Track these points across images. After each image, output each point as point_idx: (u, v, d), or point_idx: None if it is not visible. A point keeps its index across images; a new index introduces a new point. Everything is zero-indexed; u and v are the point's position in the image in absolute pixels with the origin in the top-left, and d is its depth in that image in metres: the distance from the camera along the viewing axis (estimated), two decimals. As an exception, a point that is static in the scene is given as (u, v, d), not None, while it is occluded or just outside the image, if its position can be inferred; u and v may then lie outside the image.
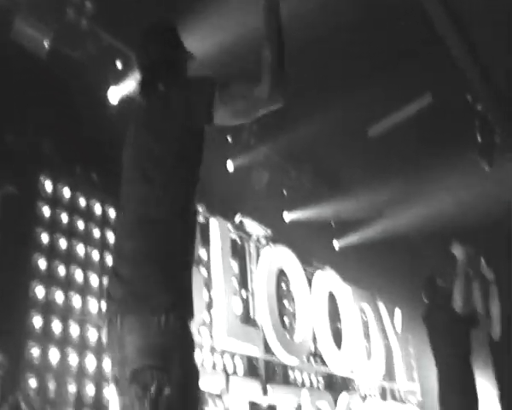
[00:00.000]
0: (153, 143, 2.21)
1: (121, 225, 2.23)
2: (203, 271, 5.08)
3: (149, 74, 2.45)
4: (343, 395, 6.07)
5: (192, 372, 1.95)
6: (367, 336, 7.06)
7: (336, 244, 7.36)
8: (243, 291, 5.53)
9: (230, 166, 5.80)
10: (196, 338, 4.74)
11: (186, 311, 2.03)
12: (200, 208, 5.18)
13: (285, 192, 6.53)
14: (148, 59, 2.49)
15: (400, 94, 6.58)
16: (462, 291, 4.86)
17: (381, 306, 7.52)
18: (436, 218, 7.64)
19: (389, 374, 7.26)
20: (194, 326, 4.72)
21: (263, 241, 5.96)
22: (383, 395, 6.95)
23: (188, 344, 1.99)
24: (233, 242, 5.58)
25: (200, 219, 5.18)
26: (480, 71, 6.46)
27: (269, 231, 6.05)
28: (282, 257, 5.99)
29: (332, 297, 6.57)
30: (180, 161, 2.18)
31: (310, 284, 6.22)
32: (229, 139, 5.82)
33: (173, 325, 1.92)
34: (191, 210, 2.20)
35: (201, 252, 5.13)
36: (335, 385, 6.17)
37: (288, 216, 6.59)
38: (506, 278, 7.56)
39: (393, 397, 7.20)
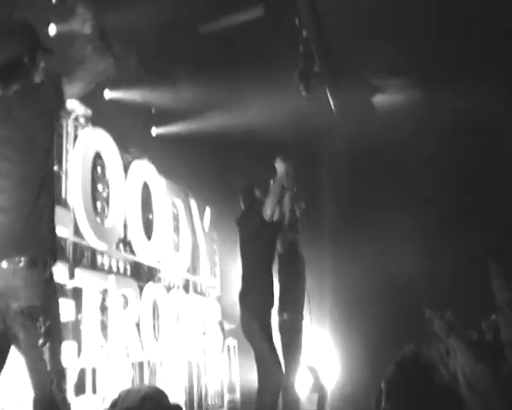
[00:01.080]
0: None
1: None
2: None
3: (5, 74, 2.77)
4: (149, 285, 6.10)
5: (58, 307, 2.73)
6: (176, 229, 7.12)
7: (155, 133, 7.18)
8: (57, 170, 5.21)
9: (53, 29, 5.22)
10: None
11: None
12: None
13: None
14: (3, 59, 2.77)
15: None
16: (272, 202, 5.10)
17: (193, 203, 7.59)
18: (255, 128, 7.79)
19: (194, 268, 7.44)
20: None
21: (82, 121, 5.62)
22: (186, 288, 7.11)
23: (55, 286, 2.74)
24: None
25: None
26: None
27: (89, 111, 5.70)
28: (100, 140, 5.70)
29: (146, 187, 6.47)
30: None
31: (126, 172, 6.05)
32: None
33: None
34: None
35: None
36: (142, 274, 6.17)
37: (109, 94, 6.24)
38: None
39: (195, 290, 7.41)
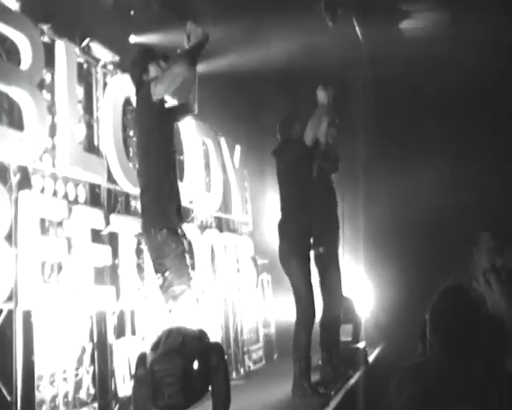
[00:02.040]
0: None
1: None
2: (46, 95, 4.72)
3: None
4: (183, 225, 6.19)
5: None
6: (207, 168, 7.16)
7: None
8: (88, 118, 5.27)
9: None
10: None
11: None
12: (45, 28, 4.71)
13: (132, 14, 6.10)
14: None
15: None
16: (313, 128, 5.10)
17: (223, 141, 7.59)
18: (282, 64, 7.66)
19: (225, 206, 7.52)
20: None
21: (110, 67, 5.62)
22: (219, 226, 7.21)
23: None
24: (79, 66, 5.18)
25: (46, 39, 4.72)
26: None
27: (117, 58, 5.69)
28: (129, 86, 5.69)
29: (176, 129, 6.47)
30: None
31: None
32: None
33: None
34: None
35: (46, 75, 4.73)
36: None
37: (135, 39, 6.18)
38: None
39: (228, 228, 7.51)
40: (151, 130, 4.03)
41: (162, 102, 4.08)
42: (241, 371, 7.19)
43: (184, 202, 6.36)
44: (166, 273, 3.80)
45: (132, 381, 3.31)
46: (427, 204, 7.73)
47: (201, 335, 3.40)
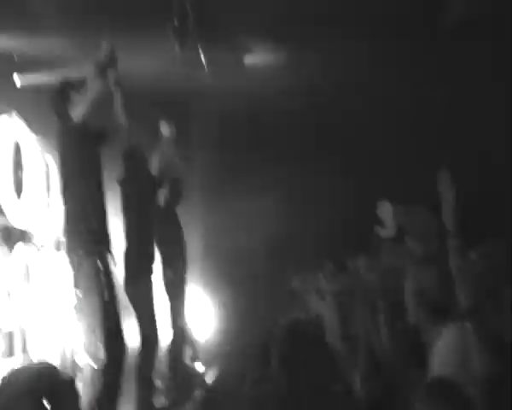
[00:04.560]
0: None
1: None
2: None
3: None
4: (19, 245, 5.72)
5: None
6: (48, 188, 6.68)
7: (18, 81, 6.55)
8: None
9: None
10: None
11: None
12: None
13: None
14: None
15: None
16: (159, 160, 5.08)
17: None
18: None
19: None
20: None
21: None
22: (58, 247, 6.74)
23: None
24: None
25: None
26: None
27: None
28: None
29: (16, 145, 5.97)
30: None
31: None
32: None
33: None
34: None
35: None
36: (13, 236, 5.74)
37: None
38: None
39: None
40: (73, 154, 4.04)
41: (84, 125, 3.97)
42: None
43: (23, 224, 5.92)
44: (79, 294, 3.93)
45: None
46: (267, 230, 7.92)
47: (56, 371, 3.11)
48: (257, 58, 8.77)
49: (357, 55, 7.59)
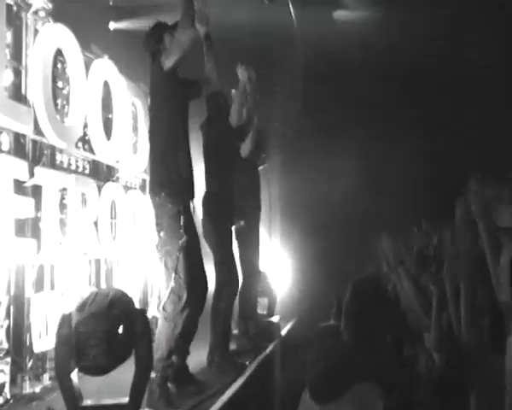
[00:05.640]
0: None
1: None
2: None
3: None
4: (107, 185, 5.93)
5: None
6: (135, 129, 6.86)
7: (112, 28, 6.74)
8: (16, 65, 4.84)
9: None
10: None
11: None
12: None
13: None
14: None
15: None
16: (237, 108, 5.06)
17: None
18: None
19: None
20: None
21: (42, 14, 5.19)
22: (143, 188, 6.95)
23: None
24: (8, 8, 4.72)
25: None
26: None
27: (50, 6, 5.27)
28: (61, 36, 5.31)
29: (106, 86, 6.14)
30: None
31: (87, 70, 5.69)
32: None
33: None
34: None
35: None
36: (100, 174, 5.96)
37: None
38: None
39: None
40: (162, 98, 4.09)
41: (175, 73, 4.07)
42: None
43: (111, 162, 6.12)
44: (161, 234, 3.91)
45: (54, 340, 3.09)
46: (347, 186, 7.81)
47: (128, 299, 3.26)
48: (347, 13, 8.56)
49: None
